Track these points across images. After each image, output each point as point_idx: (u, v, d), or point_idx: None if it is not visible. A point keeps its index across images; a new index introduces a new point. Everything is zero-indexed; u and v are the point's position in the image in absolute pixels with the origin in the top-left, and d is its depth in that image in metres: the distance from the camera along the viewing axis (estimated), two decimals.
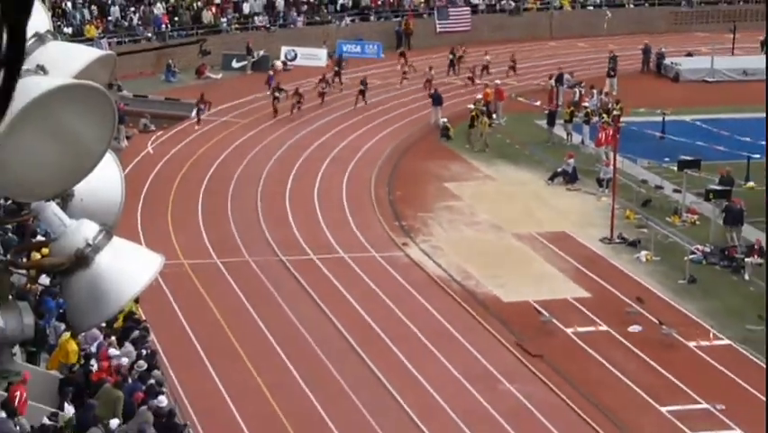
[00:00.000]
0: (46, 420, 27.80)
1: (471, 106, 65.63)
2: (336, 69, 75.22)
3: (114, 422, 28.41)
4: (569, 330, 43.08)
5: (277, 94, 66.15)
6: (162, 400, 31.47)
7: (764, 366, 40.66)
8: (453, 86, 76.46)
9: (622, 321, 43.64)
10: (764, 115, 68.80)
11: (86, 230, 9.50)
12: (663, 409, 37.51)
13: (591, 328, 43.27)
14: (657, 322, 43.17)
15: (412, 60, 78.78)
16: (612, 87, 72.91)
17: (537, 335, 42.42)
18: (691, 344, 42.22)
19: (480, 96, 67.66)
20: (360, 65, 79.84)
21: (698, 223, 53.05)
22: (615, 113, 63.10)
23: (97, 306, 9.46)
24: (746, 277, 47.72)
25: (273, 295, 44.82)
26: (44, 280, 28.06)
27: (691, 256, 49.05)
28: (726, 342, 42.48)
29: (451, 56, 79.40)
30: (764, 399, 37.51)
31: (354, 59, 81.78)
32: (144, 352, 34.52)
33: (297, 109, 67.48)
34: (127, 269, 9.50)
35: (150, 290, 36.81)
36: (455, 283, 47.10)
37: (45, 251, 10.13)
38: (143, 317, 37.69)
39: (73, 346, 31.33)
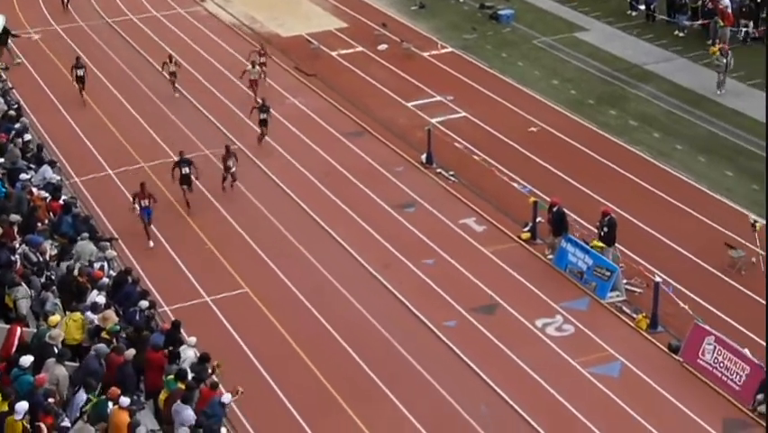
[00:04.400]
0: None
1: None
2: None
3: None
4: (334, 53, 43.01)
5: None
6: (27, 137, 30.65)
7: (482, 66, 41.44)
8: None
9: (373, 42, 43.70)
10: None
11: None
12: (409, 104, 38.03)
13: (350, 50, 43.24)
14: (399, 40, 43.33)
15: None
16: None
17: (310, 59, 42.21)
18: (425, 54, 42.61)
19: None
20: None
21: None
22: None
23: None
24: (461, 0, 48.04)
25: (102, 47, 43.44)
26: None
27: None
28: (450, 49, 42.97)
29: None
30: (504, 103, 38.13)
31: None
32: (14, 104, 33.45)
33: None
34: None
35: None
36: (245, 27, 46.35)
37: None
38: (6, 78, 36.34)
39: None
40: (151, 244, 29.04)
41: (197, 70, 40.97)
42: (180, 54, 41.98)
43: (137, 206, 28.87)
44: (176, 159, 30.99)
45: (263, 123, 34.79)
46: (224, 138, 35.22)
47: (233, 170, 31.50)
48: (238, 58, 42.42)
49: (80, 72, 38.30)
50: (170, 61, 38.77)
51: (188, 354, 20.70)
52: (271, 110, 34.99)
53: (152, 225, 29.30)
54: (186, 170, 30.52)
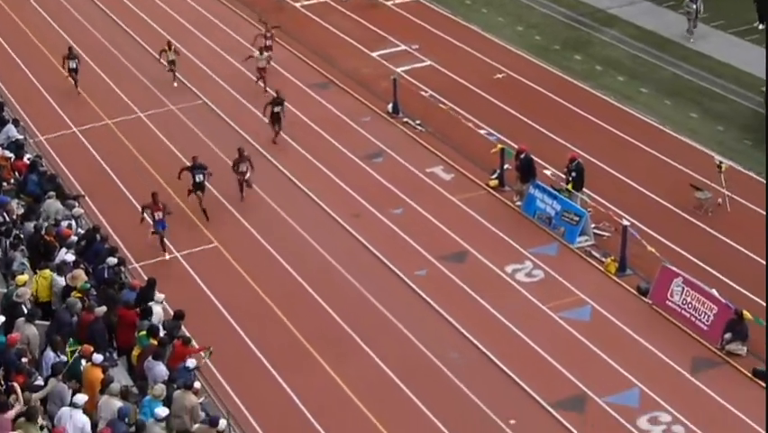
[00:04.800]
0: None
1: None
2: None
3: None
4: (297, 4, 42.67)
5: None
6: None
7: (447, 14, 41.19)
8: None
9: None
10: None
11: None
12: (374, 54, 37.78)
13: (314, 1, 42.86)
14: None
15: None
16: None
17: (274, 11, 41.72)
18: (389, 2, 42.30)
19: None
20: None
21: None
22: None
23: None
24: None
25: (64, 4, 42.99)
26: None
27: None
28: None
29: None
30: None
31: None
32: None
33: None
34: None
35: None
36: None
37: None
38: None
39: None
40: (167, 256, 26.26)
41: (161, 26, 40.49)
42: (146, 13, 41.54)
43: (147, 217, 26.14)
44: (188, 164, 28.02)
45: (276, 118, 31.28)
46: (190, 94, 34.87)
47: (248, 176, 28.36)
48: (200, 12, 42.05)
49: (73, 64, 34.68)
50: (169, 48, 35.26)
51: (156, 311, 20.59)
52: (286, 103, 31.54)
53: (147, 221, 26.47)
54: (199, 177, 27.43)
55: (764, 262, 25.14)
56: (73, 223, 23.71)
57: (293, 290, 25.22)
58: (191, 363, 18.72)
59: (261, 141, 31.89)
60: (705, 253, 25.91)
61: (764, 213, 27.44)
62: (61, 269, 20.79)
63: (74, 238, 22.67)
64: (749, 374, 22.13)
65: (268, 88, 34.16)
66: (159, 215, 26.03)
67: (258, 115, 33.05)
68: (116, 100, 34.75)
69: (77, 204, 25.02)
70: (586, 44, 38.04)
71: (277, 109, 31.24)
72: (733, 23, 37.94)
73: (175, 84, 35.36)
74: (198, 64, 37.24)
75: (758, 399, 21.46)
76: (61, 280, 20.59)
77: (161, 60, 35.89)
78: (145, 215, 26.17)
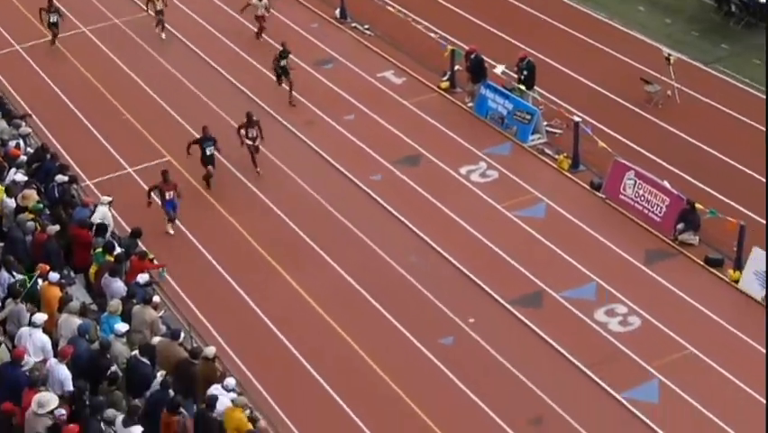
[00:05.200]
0: None
1: None
2: None
3: None
4: None
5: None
6: None
7: None
8: None
9: None
10: None
11: None
12: None
13: None
14: None
15: None
16: None
17: None
18: None
19: None
20: None
21: None
22: None
23: None
24: None
25: None
26: None
27: None
28: None
29: None
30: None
31: None
32: None
33: None
34: None
35: None
36: None
37: None
38: None
39: None
40: (171, 231, 23.94)
41: None
42: None
43: (156, 198, 23.62)
44: (197, 136, 25.48)
45: (284, 72, 28.73)
46: (137, 10, 34.05)
47: (257, 143, 25.72)
48: None
49: (54, 18, 31.80)
50: None
51: (101, 210, 20.38)
52: (292, 56, 29.04)
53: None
54: (210, 149, 25.04)
55: (718, 154, 25.51)
56: (21, 142, 23.29)
57: (248, 199, 25.09)
58: (142, 278, 18.58)
59: (212, 53, 31.43)
60: (656, 146, 26.02)
61: (714, 103, 27.70)
62: (11, 189, 20.43)
63: (23, 158, 22.27)
64: (702, 263, 22.41)
65: (265, 36, 31.92)
66: (170, 194, 23.73)
67: (208, 29, 32.50)
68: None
69: (23, 123, 24.54)
70: None
71: (283, 63, 28.71)
72: None
73: (163, 35, 32.37)
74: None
75: (710, 286, 21.89)
76: (11, 202, 20.25)
77: (148, 11, 33.11)
78: (153, 196, 23.65)
